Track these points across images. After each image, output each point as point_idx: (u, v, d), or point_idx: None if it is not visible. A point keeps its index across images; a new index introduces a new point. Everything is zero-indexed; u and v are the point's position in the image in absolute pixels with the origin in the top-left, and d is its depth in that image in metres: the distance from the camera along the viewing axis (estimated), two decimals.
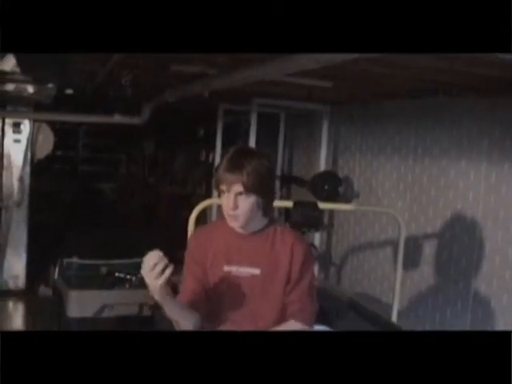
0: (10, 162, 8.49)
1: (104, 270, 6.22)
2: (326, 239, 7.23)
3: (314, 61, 3.13)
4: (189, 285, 3.04)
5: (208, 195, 8.75)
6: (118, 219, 11.08)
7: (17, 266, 8.55)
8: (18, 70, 5.46)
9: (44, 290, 7.95)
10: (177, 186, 11.20)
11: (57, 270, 6.45)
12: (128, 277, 6.02)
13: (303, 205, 4.92)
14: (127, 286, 5.97)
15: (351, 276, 6.80)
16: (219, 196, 2.97)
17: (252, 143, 6.67)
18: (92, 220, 10.07)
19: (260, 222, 3.04)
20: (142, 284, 5.93)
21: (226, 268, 3.01)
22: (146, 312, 5.77)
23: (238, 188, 2.84)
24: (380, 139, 6.30)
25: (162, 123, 10.00)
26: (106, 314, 5.77)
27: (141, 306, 5.78)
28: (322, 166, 6.94)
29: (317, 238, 6.94)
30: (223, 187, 2.88)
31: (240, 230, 3.02)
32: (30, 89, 7.17)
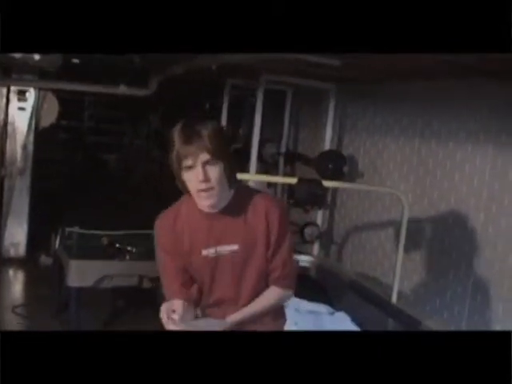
0: (14, 130, 8.49)
1: (105, 240, 6.20)
2: (328, 218, 7.22)
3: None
4: (176, 281, 2.95)
5: None
6: (120, 190, 11.10)
7: (18, 234, 8.57)
8: None
9: (45, 259, 7.97)
10: None
11: (58, 239, 6.44)
12: (129, 248, 6.00)
13: (307, 182, 4.91)
14: (127, 257, 5.96)
15: (352, 256, 6.80)
16: (179, 180, 2.79)
17: (258, 119, 6.64)
18: (95, 190, 10.07)
19: (227, 195, 2.84)
20: (142, 256, 5.96)
21: (204, 252, 2.87)
22: (147, 284, 5.76)
23: (204, 156, 2.66)
24: (386, 119, 6.27)
25: (168, 96, 9.97)
26: (106, 284, 5.76)
27: (141, 277, 5.77)
28: (328, 144, 6.92)
29: (319, 216, 6.94)
30: (187, 162, 2.67)
31: (209, 209, 2.82)
32: (36, 56, 7.14)
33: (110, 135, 13.16)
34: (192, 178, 2.70)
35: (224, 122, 7.65)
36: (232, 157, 2.83)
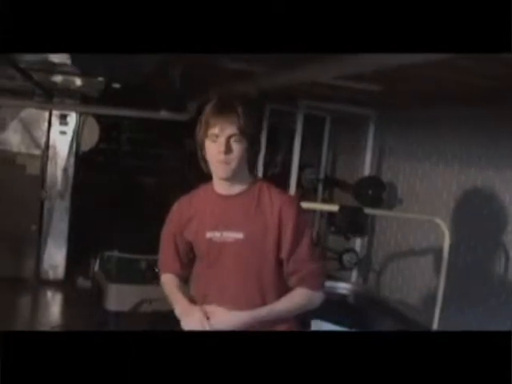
0: (55, 153, 8.61)
1: (144, 264, 6.23)
2: (366, 244, 7.17)
3: (366, 63, 3.11)
4: (169, 255, 3.03)
5: None
6: (158, 214, 11.10)
7: (57, 257, 8.66)
8: (67, 62, 5.51)
9: (82, 282, 8.02)
10: None
11: (97, 262, 6.49)
12: None
13: (349, 209, 4.87)
14: None
15: (391, 282, 6.74)
16: (200, 149, 2.80)
17: (297, 144, 6.64)
18: (133, 214, 10.12)
19: (245, 180, 2.84)
20: None
21: (209, 234, 2.83)
22: None
23: (232, 130, 2.68)
24: (426, 145, 6.23)
25: None
26: (144, 308, 5.78)
27: None
28: (367, 170, 6.89)
29: (357, 242, 6.90)
30: (214, 131, 2.68)
31: (224, 189, 2.85)
32: (78, 81, 7.24)
33: (147, 159, 13.21)
34: (214, 148, 2.71)
35: (262, 146, 7.67)
36: (259, 142, 2.89)
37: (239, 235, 2.78)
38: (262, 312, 2.77)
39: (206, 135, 2.72)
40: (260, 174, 7.51)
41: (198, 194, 2.97)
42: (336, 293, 6.34)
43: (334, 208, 4.85)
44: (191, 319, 2.72)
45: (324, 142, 7.95)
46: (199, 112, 7.48)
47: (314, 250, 2.88)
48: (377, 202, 6.19)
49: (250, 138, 2.71)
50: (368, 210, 5.14)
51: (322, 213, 7.77)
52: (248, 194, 2.83)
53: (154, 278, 6.00)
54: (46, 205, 8.68)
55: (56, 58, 5.43)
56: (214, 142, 2.69)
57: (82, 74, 6.53)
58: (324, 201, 7.79)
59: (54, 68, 6.23)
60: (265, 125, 7.62)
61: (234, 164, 2.71)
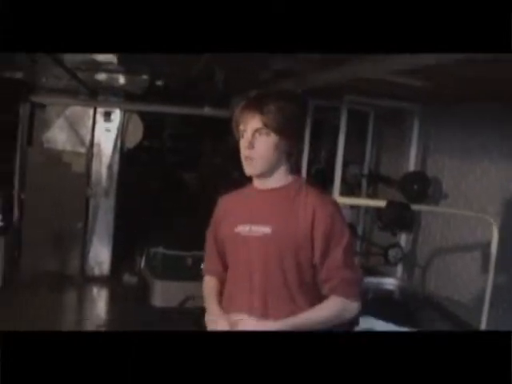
0: (99, 151, 8.69)
1: (189, 261, 6.26)
2: (411, 240, 7.13)
3: (410, 62, 3.09)
4: (210, 257, 3.00)
5: None
6: (202, 210, 11.13)
7: (103, 253, 8.74)
8: (112, 60, 5.56)
9: (128, 278, 8.09)
10: None
11: (143, 259, 6.54)
12: None
13: (396, 205, 4.83)
14: None
15: (437, 278, 6.69)
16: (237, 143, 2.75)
17: (341, 140, 6.61)
18: (177, 210, 10.16)
19: (283, 176, 2.74)
20: None
21: (238, 228, 2.74)
22: None
23: (257, 124, 2.61)
24: (471, 141, 6.17)
25: None
26: (189, 304, 5.81)
27: None
28: (412, 165, 6.84)
29: (403, 238, 6.85)
30: (241, 127, 2.66)
31: (258, 183, 2.77)
32: (122, 79, 7.29)
33: (190, 155, 13.24)
34: (242, 144, 2.68)
35: (306, 142, 7.66)
36: (296, 136, 2.78)
37: (266, 229, 2.67)
38: (293, 321, 2.62)
39: (237, 132, 2.70)
40: (304, 169, 7.52)
41: (241, 191, 2.92)
42: (382, 288, 6.32)
43: (381, 204, 4.81)
44: (217, 327, 2.66)
45: (368, 137, 7.91)
46: None
47: (349, 256, 2.74)
48: (422, 198, 6.14)
49: (279, 133, 2.62)
50: (415, 206, 5.09)
51: (366, 208, 7.73)
52: (283, 190, 2.74)
53: (200, 275, 6.07)
54: (92, 202, 8.77)
55: (101, 56, 5.48)
56: (242, 138, 2.67)
57: (126, 72, 6.57)
58: (368, 196, 7.75)
59: (98, 66, 6.29)
60: (308, 120, 7.62)
61: (259, 160, 2.66)
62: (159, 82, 7.72)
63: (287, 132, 2.65)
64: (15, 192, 8.80)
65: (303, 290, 2.72)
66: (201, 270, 5.97)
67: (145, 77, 6.78)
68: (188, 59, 5.08)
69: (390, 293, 6.43)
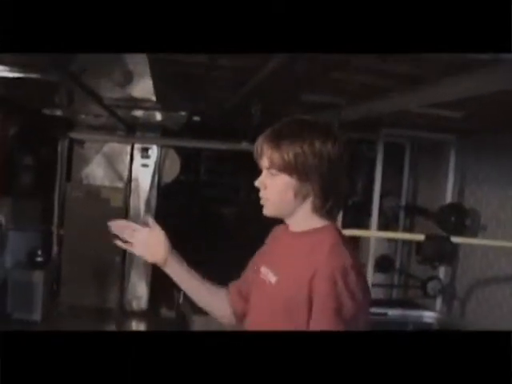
0: (137, 186, 8.78)
1: None
2: (450, 271, 7.08)
3: (446, 93, 3.10)
4: (235, 286, 2.62)
5: None
6: (240, 245, 11.17)
7: (140, 288, 8.79)
8: (148, 96, 5.64)
9: (166, 313, 8.11)
10: None
11: (182, 293, 6.53)
12: None
13: (435, 238, 4.78)
14: None
15: (476, 310, 6.64)
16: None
17: (378, 172, 6.63)
18: (215, 244, 10.18)
19: (310, 220, 2.32)
20: None
21: (262, 269, 2.44)
22: None
23: (267, 163, 2.28)
24: (508, 171, 6.14)
25: None
26: None
27: None
28: (449, 197, 6.82)
29: (441, 270, 6.81)
30: (260, 163, 2.35)
31: (290, 225, 2.39)
32: (159, 115, 7.38)
33: (226, 189, 13.28)
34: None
35: (337, 184, 7.66)
36: (325, 179, 2.23)
37: (273, 278, 2.35)
38: None
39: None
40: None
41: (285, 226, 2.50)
42: (421, 322, 6.28)
43: (421, 238, 4.76)
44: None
45: (405, 169, 7.90)
46: None
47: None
48: (460, 229, 6.12)
49: (295, 173, 2.24)
50: (456, 239, 5.04)
51: (404, 240, 7.71)
52: (304, 236, 2.34)
53: None
54: None
55: (138, 93, 5.56)
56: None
57: (163, 109, 6.65)
58: (405, 229, 7.74)
59: (136, 103, 6.37)
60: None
61: (269, 203, 2.36)
62: (196, 118, 7.79)
63: (299, 173, 2.25)
64: (54, 227, 8.90)
65: None
66: None
67: (182, 113, 6.85)
68: (224, 95, 5.14)
69: (428, 326, 6.39)
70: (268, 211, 2.37)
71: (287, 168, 2.24)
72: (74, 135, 8.75)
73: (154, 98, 5.60)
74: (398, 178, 7.92)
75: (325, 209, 2.29)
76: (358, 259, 2.30)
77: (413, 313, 6.39)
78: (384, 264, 7.58)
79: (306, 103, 4.87)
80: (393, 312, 6.32)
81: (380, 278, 7.53)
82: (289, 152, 2.21)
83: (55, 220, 8.91)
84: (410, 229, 7.77)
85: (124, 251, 8.62)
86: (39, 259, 8.41)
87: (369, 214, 6.94)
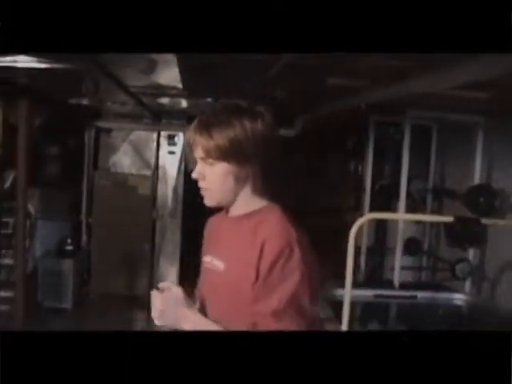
0: (164, 173, 8.82)
1: None
2: (479, 253, 7.04)
3: (473, 74, 3.08)
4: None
5: (357, 207, 8.73)
6: None
7: (170, 274, 8.82)
8: (174, 84, 5.65)
9: (195, 300, 8.14)
10: (325, 198, 11.20)
11: None
12: None
13: (465, 220, 4.74)
14: None
15: (506, 292, 6.59)
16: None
17: (405, 155, 6.60)
18: None
19: (251, 202, 2.33)
20: None
21: (205, 259, 2.46)
22: None
23: (199, 152, 2.26)
24: None
25: (310, 135, 10.05)
26: None
27: None
28: (477, 178, 6.77)
29: (470, 251, 6.77)
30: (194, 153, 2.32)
31: (230, 210, 2.39)
32: (184, 102, 7.39)
33: None
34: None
35: (370, 159, 7.65)
36: (257, 162, 2.29)
37: (220, 266, 2.34)
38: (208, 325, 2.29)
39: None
40: (368, 186, 7.53)
41: (222, 214, 2.51)
42: (451, 304, 6.27)
43: (449, 219, 4.73)
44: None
45: (432, 151, 7.86)
46: (305, 128, 7.55)
47: (289, 307, 2.14)
48: (489, 211, 6.07)
49: (233, 159, 2.23)
50: (485, 220, 5.00)
51: (432, 223, 7.68)
52: (246, 218, 2.34)
53: None
54: (158, 223, 8.88)
55: (164, 80, 5.57)
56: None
57: (189, 96, 6.66)
58: (433, 211, 7.70)
59: (161, 91, 6.39)
60: (371, 137, 7.61)
61: (210, 194, 2.33)
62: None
63: (237, 158, 2.24)
64: (83, 216, 8.97)
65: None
66: None
67: (208, 99, 6.85)
68: (249, 80, 5.13)
69: (458, 308, 6.37)
70: (210, 201, 2.34)
71: (224, 155, 2.22)
72: (100, 124, 8.81)
73: (179, 85, 5.61)
74: (425, 160, 7.87)
75: (265, 188, 2.33)
76: (305, 235, 2.27)
77: (442, 295, 6.38)
78: (412, 247, 7.56)
79: (331, 87, 4.85)
80: (422, 295, 6.31)
81: (408, 260, 7.51)
82: (222, 139, 2.19)
83: (83, 209, 8.99)
84: (438, 211, 7.73)
85: (153, 238, 8.75)
86: (69, 248, 8.50)
87: (396, 197, 6.92)
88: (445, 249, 6.89)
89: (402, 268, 6.93)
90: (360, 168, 9.31)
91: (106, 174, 8.89)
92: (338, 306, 5.15)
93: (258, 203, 2.34)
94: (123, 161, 8.86)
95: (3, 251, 6.95)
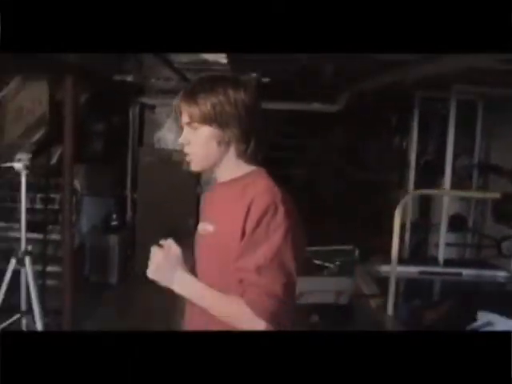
0: None
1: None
2: None
3: None
4: None
5: (401, 183, 8.67)
6: (311, 206, 11.19)
7: None
8: (218, 59, 5.65)
9: None
10: (369, 173, 11.14)
11: None
12: (326, 264, 6.03)
13: None
14: (325, 273, 5.99)
15: None
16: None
17: (451, 131, 6.54)
18: None
19: (233, 168, 2.44)
20: (339, 272, 5.97)
21: (198, 227, 2.53)
22: (344, 300, 5.77)
23: (185, 117, 2.40)
24: None
25: (354, 110, 10.00)
26: (303, 300, 5.82)
27: (338, 293, 5.79)
28: None
29: None
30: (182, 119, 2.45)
31: (218, 175, 2.48)
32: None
33: (295, 150, 13.21)
34: None
35: (414, 134, 7.59)
36: (244, 124, 2.37)
37: (210, 228, 2.42)
38: (197, 290, 2.39)
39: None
40: (413, 161, 7.48)
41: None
42: (495, 281, 6.23)
43: (496, 196, 4.67)
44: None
45: (477, 127, 7.77)
46: (348, 103, 7.53)
47: (274, 263, 2.21)
48: None
49: (216, 123, 2.34)
50: None
51: (477, 199, 7.61)
52: (233, 183, 2.44)
53: (313, 270, 6.08)
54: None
55: (209, 56, 5.58)
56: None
57: (234, 71, 6.66)
58: (479, 188, 7.63)
59: (206, 66, 6.39)
60: (416, 112, 7.55)
61: (194, 158, 2.43)
62: (266, 79, 7.77)
63: (219, 122, 2.35)
64: (128, 192, 9.05)
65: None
66: (315, 265, 6.05)
67: (252, 74, 6.84)
68: (294, 55, 5.12)
69: (502, 286, 6.32)
70: (195, 165, 2.46)
71: (207, 119, 2.35)
72: (144, 100, 8.86)
73: (223, 61, 5.61)
74: (470, 136, 7.79)
75: (248, 153, 2.42)
76: (290, 200, 2.37)
77: (487, 272, 6.33)
78: (457, 223, 7.50)
79: (379, 61, 4.82)
80: (467, 272, 6.28)
81: (453, 237, 7.46)
82: (206, 104, 2.33)
83: (128, 185, 9.06)
84: (483, 187, 7.66)
85: (197, 214, 8.78)
86: (114, 223, 8.60)
87: (441, 173, 6.87)
88: (490, 226, 6.83)
89: (447, 245, 6.89)
90: (404, 144, 9.22)
91: (150, 150, 8.95)
92: (382, 282, 5.15)
93: (246, 168, 2.46)
94: (168, 137, 8.90)
95: (50, 227, 7.04)
